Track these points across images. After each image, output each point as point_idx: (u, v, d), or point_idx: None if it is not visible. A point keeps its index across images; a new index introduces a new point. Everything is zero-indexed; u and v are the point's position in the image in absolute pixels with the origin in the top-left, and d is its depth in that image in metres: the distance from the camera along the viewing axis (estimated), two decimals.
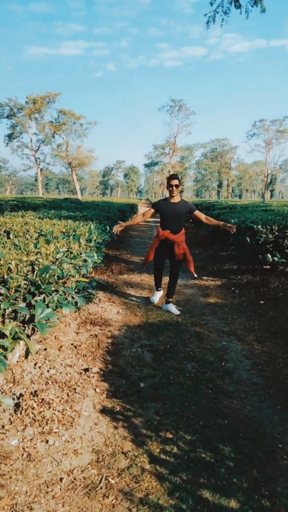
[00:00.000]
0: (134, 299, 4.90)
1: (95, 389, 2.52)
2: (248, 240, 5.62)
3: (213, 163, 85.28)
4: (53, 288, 2.17)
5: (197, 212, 4.22)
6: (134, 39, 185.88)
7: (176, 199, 4.20)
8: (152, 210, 4.26)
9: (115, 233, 4.21)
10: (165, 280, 5.34)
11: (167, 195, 4.35)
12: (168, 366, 2.95)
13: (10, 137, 51.22)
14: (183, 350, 3.27)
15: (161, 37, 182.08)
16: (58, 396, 2.35)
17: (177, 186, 4.07)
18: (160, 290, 4.78)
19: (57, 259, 2.48)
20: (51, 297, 2.24)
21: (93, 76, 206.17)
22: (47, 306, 2.20)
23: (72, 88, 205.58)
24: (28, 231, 3.59)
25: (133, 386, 2.62)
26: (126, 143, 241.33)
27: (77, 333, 3.47)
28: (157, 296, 4.76)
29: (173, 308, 4.38)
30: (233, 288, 5.50)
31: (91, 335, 3.48)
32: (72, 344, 3.20)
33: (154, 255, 4.38)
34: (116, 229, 4.16)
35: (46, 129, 44.49)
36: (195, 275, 4.74)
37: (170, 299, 4.48)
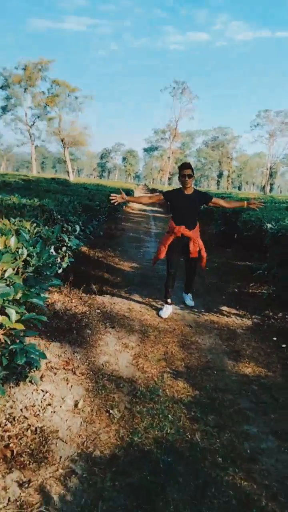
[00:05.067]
0: (112, 359, 2.76)
1: None
2: None
3: (213, 152, 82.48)
4: None
5: (215, 199, 3.79)
6: (138, 19, 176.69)
7: (189, 190, 3.70)
8: (161, 197, 3.78)
9: (113, 202, 3.62)
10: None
11: (167, 183, 3.26)
12: None
13: (4, 109, 47.78)
14: None
15: (165, 19, 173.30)
16: None
17: (190, 176, 3.58)
18: (170, 303, 3.93)
19: None
20: None
21: (95, 55, 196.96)
22: None
23: (73, 65, 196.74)
24: None
25: None
26: (127, 125, 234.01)
27: None
28: (167, 311, 3.87)
29: (188, 300, 4.24)
30: (275, 338, 3.40)
31: None
32: None
33: (167, 253, 3.85)
34: (115, 198, 3.58)
35: (41, 103, 41.17)
36: (205, 269, 4.47)
37: (188, 291, 4.26)
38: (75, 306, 3.78)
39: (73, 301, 3.94)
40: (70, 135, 37.20)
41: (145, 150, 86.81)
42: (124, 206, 18.00)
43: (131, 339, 3.18)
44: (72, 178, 37.83)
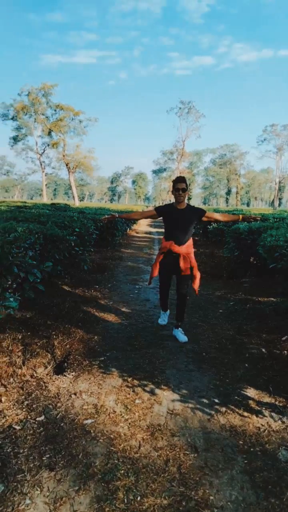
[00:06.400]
0: None
1: None
2: None
3: (221, 170, 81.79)
4: None
5: (208, 213, 3.63)
6: (145, 48, 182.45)
7: (182, 205, 3.56)
8: (154, 212, 3.66)
9: (102, 222, 3.81)
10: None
11: (173, 201, 3.58)
12: None
13: (15, 139, 48.37)
14: None
15: (171, 46, 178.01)
16: None
17: (184, 190, 3.46)
18: (167, 310, 4.05)
19: None
20: None
21: (105, 84, 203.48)
22: None
23: (85, 96, 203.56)
24: None
25: None
26: (137, 149, 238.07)
27: None
28: (165, 318, 4.03)
29: (180, 335, 3.72)
30: None
31: None
32: None
33: (159, 271, 3.76)
34: (105, 218, 3.67)
35: (46, 129, 41.30)
36: (197, 294, 3.93)
37: (179, 323, 3.82)
38: (2, 412, 2.27)
39: (5, 398, 2.44)
40: (74, 159, 36.73)
41: (154, 172, 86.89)
42: (128, 229, 16.70)
43: (77, 503, 1.64)
44: (77, 203, 37.06)
